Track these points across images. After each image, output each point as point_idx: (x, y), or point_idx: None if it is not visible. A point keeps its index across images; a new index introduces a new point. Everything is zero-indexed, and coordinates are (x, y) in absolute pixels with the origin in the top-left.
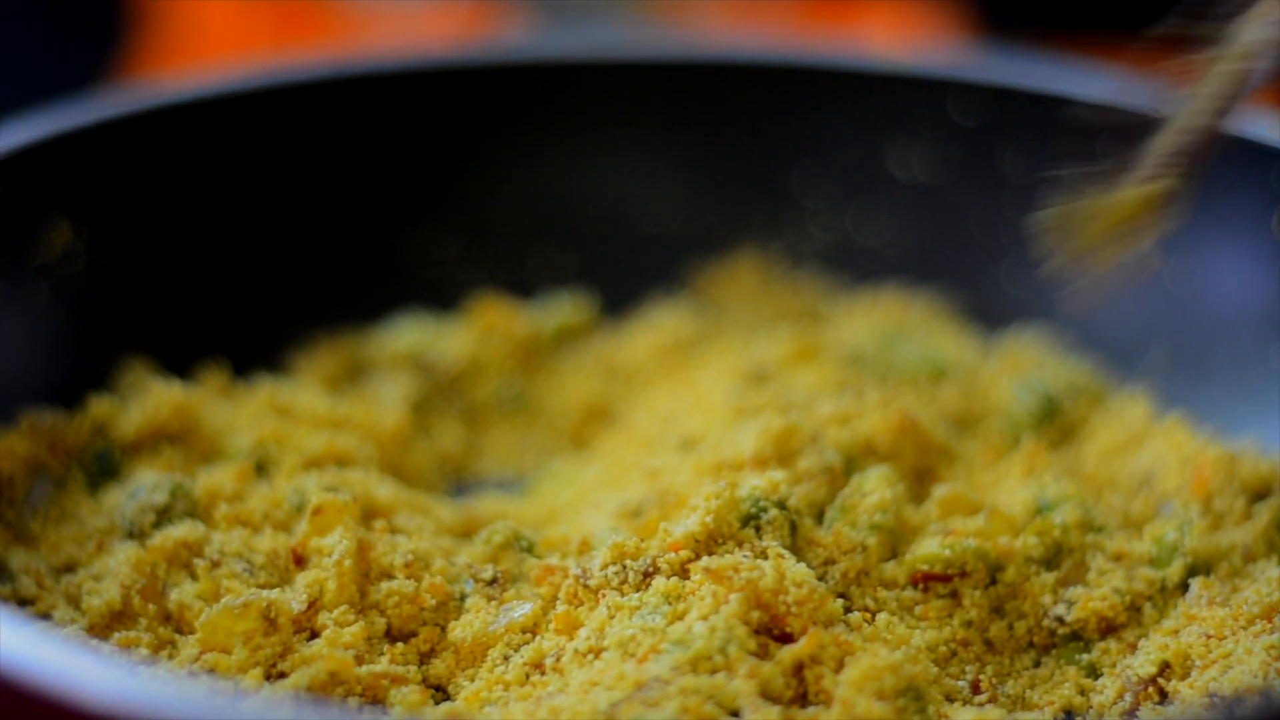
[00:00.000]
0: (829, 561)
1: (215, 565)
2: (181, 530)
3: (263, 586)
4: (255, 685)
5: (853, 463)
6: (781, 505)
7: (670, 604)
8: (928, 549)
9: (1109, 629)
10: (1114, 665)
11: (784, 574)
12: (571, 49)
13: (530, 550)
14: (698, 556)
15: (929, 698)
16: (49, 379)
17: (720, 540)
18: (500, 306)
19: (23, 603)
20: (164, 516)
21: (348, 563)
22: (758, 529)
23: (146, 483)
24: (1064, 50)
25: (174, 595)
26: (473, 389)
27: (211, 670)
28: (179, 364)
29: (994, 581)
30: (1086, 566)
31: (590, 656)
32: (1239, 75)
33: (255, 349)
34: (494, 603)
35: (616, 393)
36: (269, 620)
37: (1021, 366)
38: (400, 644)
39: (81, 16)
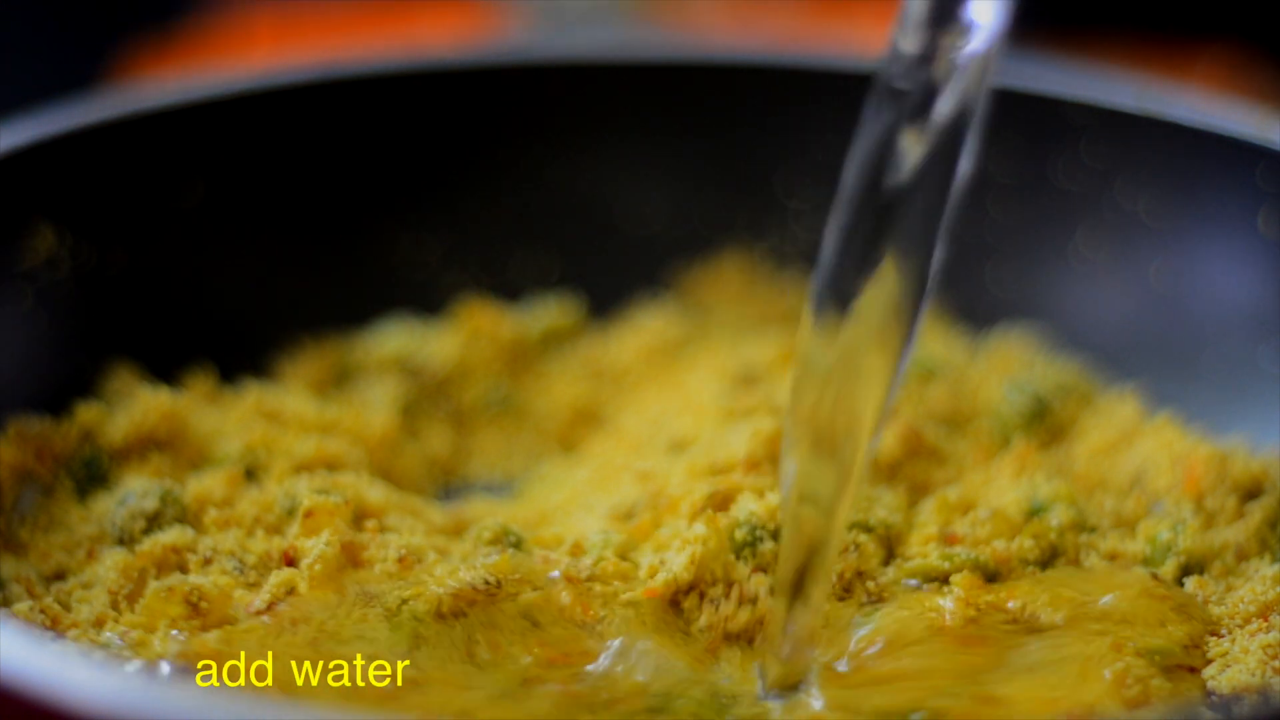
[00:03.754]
0: None
1: (207, 562)
2: (171, 535)
3: (252, 586)
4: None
5: None
6: (776, 536)
7: None
8: (925, 560)
9: None
10: None
11: None
12: (553, 51)
13: (518, 546)
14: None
15: None
16: (35, 386)
17: (708, 582)
18: (486, 310)
19: None
20: (154, 523)
21: (318, 568)
22: (753, 551)
23: (136, 489)
24: (1065, 50)
25: None
26: (460, 392)
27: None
28: (165, 370)
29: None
30: (1080, 566)
31: None
32: None
33: (241, 354)
34: None
35: (604, 395)
36: (192, 606)
37: (1010, 366)
38: None
39: (81, 17)
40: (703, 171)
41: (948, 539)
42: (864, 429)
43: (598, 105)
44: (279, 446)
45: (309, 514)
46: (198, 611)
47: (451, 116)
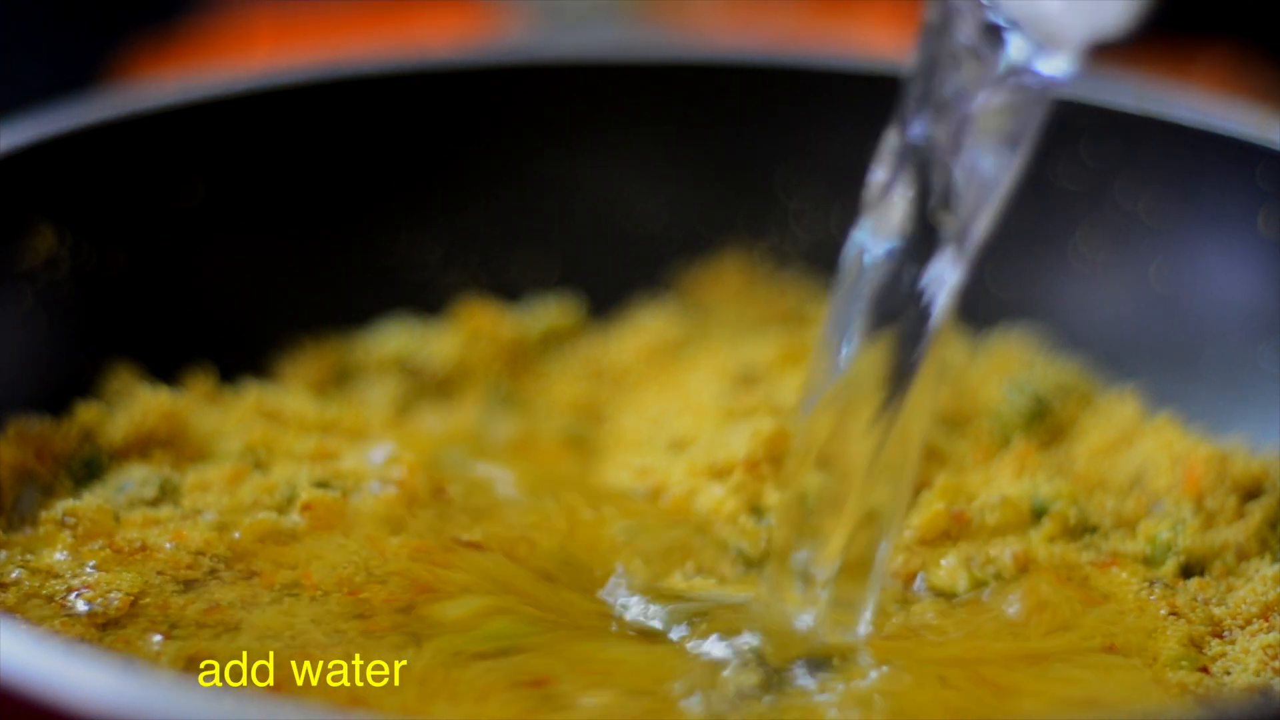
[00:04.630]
0: None
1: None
2: (161, 512)
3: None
4: None
5: None
6: None
7: None
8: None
9: None
10: None
11: None
12: (552, 51)
13: None
14: None
15: None
16: (35, 386)
17: None
18: (486, 310)
19: None
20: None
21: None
22: None
23: (136, 477)
24: None
25: None
26: (460, 392)
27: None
28: (165, 370)
29: None
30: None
31: None
32: None
33: (241, 354)
34: None
35: (604, 395)
36: (68, 527)
37: (1010, 366)
38: None
39: (81, 17)
40: (703, 171)
41: (956, 518)
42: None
43: (598, 105)
44: (279, 445)
45: (307, 507)
46: (74, 533)
47: (452, 116)
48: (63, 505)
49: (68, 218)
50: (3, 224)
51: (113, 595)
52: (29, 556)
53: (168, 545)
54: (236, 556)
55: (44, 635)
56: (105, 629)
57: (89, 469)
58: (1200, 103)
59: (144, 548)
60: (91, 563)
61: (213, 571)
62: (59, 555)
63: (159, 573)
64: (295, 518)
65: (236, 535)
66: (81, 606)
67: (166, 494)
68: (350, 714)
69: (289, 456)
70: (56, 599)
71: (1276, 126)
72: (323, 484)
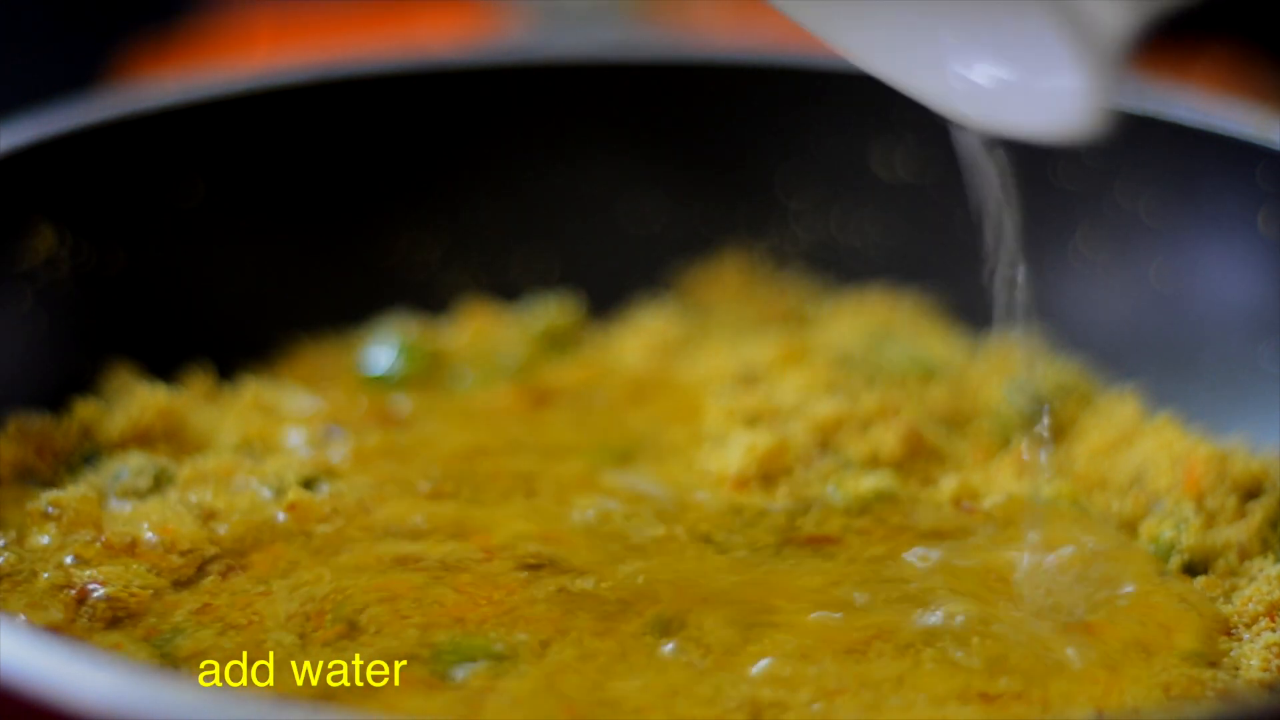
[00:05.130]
0: None
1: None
2: (153, 502)
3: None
4: None
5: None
6: None
7: None
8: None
9: None
10: None
11: None
12: (553, 51)
13: None
14: None
15: None
16: (34, 383)
17: None
18: (486, 310)
19: None
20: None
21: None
22: None
23: (132, 466)
24: None
25: None
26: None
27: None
28: (164, 370)
29: None
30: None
31: None
32: None
33: (240, 354)
34: None
35: None
36: (53, 518)
37: (1010, 366)
38: None
39: (81, 17)
40: (703, 171)
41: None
42: None
43: (598, 105)
44: (276, 441)
45: (292, 507)
46: (59, 523)
47: (451, 116)
48: (46, 496)
49: (68, 218)
50: (3, 224)
51: (107, 587)
52: (5, 540)
53: (150, 538)
54: (222, 554)
55: (42, 634)
56: (88, 615)
57: (88, 465)
58: (1200, 103)
59: (134, 543)
60: (73, 556)
61: (200, 569)
62: (44, 539)
63: (147, 568)
64: (280, 515)
65: (222, 530)
66: (67, 596)
67: (161, 484)
68: (351, 714)
69: (284, 452)
70: (59, 590)
71: (1276, 126)
72: (309, 481)
